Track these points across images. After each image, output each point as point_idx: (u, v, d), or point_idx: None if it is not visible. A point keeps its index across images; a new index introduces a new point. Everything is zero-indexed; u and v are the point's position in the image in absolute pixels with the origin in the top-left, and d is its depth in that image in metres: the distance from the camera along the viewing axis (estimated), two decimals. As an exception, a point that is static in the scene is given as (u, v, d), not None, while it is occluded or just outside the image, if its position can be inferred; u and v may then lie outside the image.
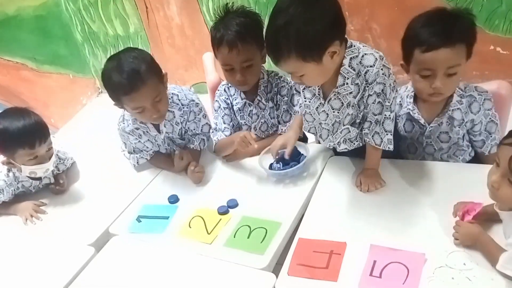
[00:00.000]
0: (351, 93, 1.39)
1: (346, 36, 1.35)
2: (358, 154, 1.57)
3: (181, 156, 1.71)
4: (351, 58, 1.36)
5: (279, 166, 1.58)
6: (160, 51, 3.30)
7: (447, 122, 1.47)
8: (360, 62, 1.36)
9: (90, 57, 3.53)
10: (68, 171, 1.89)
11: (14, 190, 1.76)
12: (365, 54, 1.35)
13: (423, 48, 1.33)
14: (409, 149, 1.59)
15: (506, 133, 1.15)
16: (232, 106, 1.77)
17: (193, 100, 1.77)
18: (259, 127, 1.78)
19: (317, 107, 1.50)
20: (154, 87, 1.56)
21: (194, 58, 3.21)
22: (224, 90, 1.78)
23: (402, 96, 1.56)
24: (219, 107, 1.77)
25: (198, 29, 3.10)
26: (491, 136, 1.50)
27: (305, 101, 1.52)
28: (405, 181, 1.47)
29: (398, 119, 1.56)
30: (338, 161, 1.62)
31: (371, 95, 1.38)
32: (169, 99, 1.69)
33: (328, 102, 1.45)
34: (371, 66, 1.34)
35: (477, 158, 1.57)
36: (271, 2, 2.68)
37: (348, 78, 1.37)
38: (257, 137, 1.79)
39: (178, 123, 1.75)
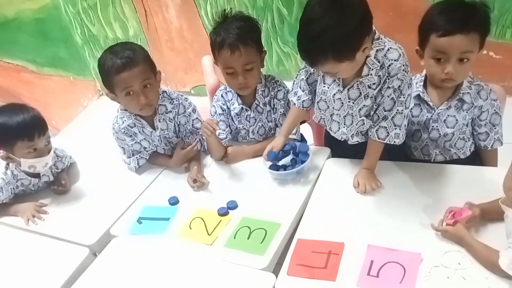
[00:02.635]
0: (374, 83, 1.44)
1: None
2: (355, 155, 1.60)
3: (184, 146, 1.77)
4: (377, 50, 1.40)
5: (282, 168, 1.61)
6: (159, 54, 3.32)
7: (455, 106, 1.51)
8: (385, 55, 1.40)
9: (90, 59, 3.55)
10: (69, 171, 1.90)
11: (13, 188, 1.76)
12: (391, 48, 1.41)
13: (439, 33, 1.38)
14: (413, 137, 1.62)
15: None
16: (229, 111, 1.79)
17: (181, 95, 1.82)
18: (257, 131, 1.80)
19: (334, 94, 1.53)
20: (145, 70, 1.64)
21: (193, 61, 3.23)
22: (222, 96, 1.80)
23: (412, 83, 1.58)
24: (215, 112, 1.79)
25: (197, 32, 3.12)
26: (494, 129, 1.54)
27: (324, 86, 1.55)
28: (401, 182, 1.49)
29: None
30: (335, 162, 1.64)
31: (389, 87, 1.43)
32: (160, 95, 1.75)
33: (347, 90, 1.48)
34: (395, 60, 1.40)
35: (476, 154, 1.61)
36: (268, 7, 2.71)
37: (372, 69, 1.42)
38: (255, 140, 1.82)
39: (171, 119, 1.78)
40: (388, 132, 1.46)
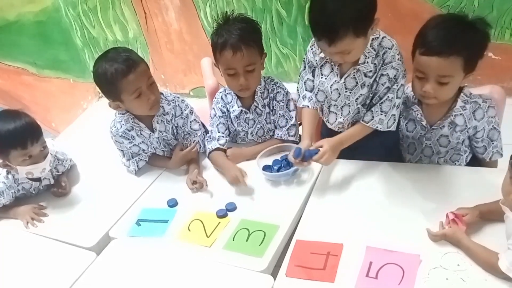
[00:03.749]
0: (370, 71, 1.47)
1: None
2: (354, 156, 1.60)
3: (182, 148, 1.77)
4: (372, 38, 1.45)
5: (275, 168, 1.62)
6: (159, 56, 3.33)
7: (448, 126, 1.49)
8: (380, 44, 1.46)
9: (90, 61, 3.55)
10: (69, 173, 1.89)
11: (15, 192, 1.76)
12: (384, 37, 1.46)
13: (421, 51, 1.37)
14: (409, 149, 1.62)
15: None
16: (229, 113, 1.79)
17: (178, 97, 1.82)
18: (256, 133, 1.80)
19: (331, 85, 1.55)
20: (146, 68, 1.67)
21: (192, 63, 3.24)
22: (221, 98, 1.80)
23: (408, 95, 1.58)
24: (215, 115, 1.79)
25: (197, 35, 3.13)
26: (492, 143, 1.51)
27: (322, 77, 1.57)
28: (400, 184, 1.49)
29: (401, 118, 1.59)
30: (334, 164, 1.63)
31: (383, 75, 1.46)
32: None
33: (344, 79, 1.51)
34: (389, 48, 1.45)
35: (474, 162, 1.58)
36: (267, 9, 2.72)
37: (368, 57, 1.46)
38: (254, 142, 1.82)
39: (168, 121, 1.79)
40: (373, 116, 1.49)
